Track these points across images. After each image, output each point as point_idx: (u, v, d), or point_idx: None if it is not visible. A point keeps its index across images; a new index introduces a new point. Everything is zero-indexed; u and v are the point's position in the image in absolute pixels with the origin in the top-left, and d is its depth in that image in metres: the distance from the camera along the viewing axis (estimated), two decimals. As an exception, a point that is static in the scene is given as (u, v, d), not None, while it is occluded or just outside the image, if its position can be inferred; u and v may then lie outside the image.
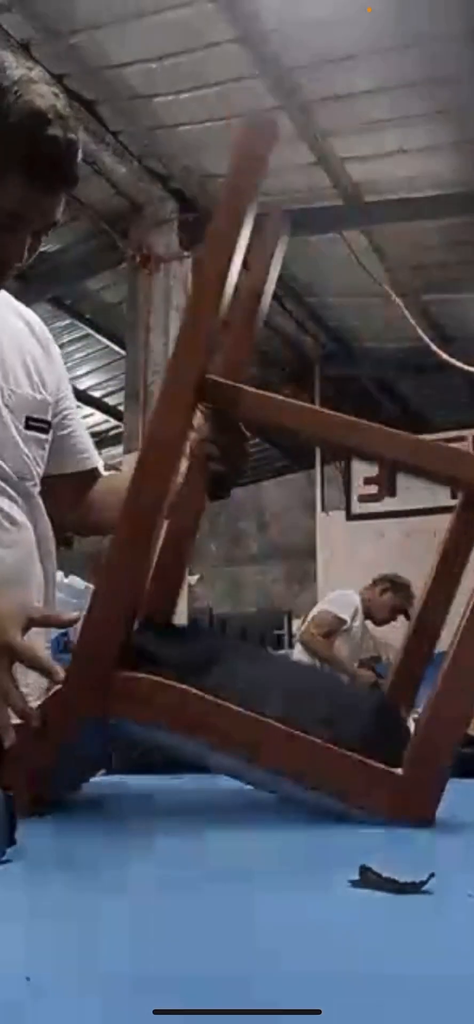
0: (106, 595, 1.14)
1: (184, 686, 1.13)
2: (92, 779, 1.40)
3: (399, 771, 1.10)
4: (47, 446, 1.49)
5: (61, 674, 1.08)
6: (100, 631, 1.12)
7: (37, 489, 1.47)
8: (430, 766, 1.09)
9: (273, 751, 1.11)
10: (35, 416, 1.46)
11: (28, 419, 1.44)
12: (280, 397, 1.24)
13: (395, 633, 8.47)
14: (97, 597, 1.14)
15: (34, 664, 1.11)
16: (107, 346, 8.59)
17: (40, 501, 1.47)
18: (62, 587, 6.09)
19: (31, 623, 1.13)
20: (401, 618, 5.23)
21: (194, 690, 1.13)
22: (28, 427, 1.44)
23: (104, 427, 10.63)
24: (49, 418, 1.49)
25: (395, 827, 1.08)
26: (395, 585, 5.32)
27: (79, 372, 9.24)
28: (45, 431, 1.48)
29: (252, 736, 1.11)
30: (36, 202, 1.23)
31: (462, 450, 1.33)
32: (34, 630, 1.17)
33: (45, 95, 1.19)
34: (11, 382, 1.42)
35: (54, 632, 6.83)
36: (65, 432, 1.55)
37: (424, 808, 1.08)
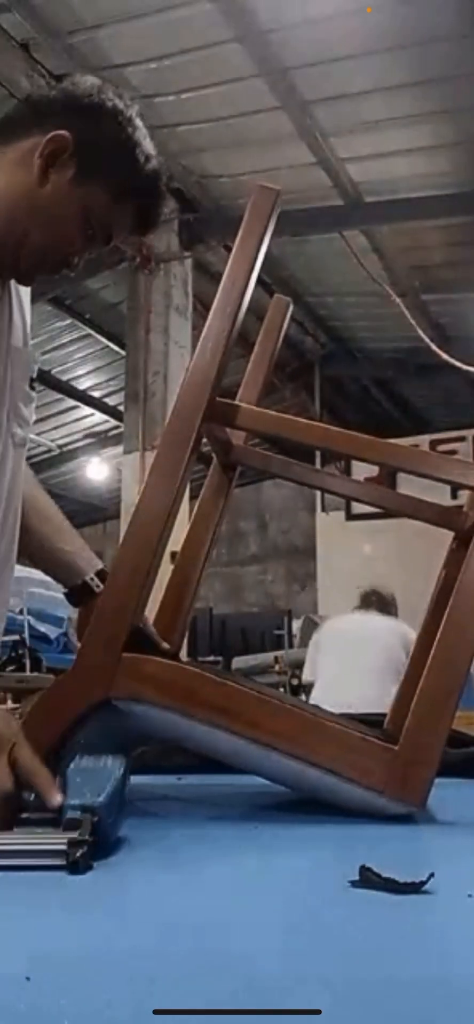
0: (117, 586, 1.21)
1: (188, 666, 1.20)
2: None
3: (395, 747, 1.13)
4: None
5: (58, 800, 0.90)
6: (111, 616, 1.19)
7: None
8: (423, 743, 1.12)
9: (271, 724, 1.14)
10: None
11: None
12: (276, 414, 1.37)
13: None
14: (108, 587, 1.22)
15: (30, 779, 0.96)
16: (107, 346, 8.59)
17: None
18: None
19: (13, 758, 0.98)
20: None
21: (196, 669, 1.20)
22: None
23: (104, 427, 10.65)
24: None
25: (390, 810, 1.09)
26: None
27: (79, 372, 9.24)
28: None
29: (250, 708, 1.15)
30: (126, 230, 1.37)
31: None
32: None
33: (158, 159, 1.36)
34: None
35: (54, 631, 6.70)
36: None
37: (416, 786, 1.10)
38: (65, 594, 1.53)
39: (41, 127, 1.27)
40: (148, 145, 1.34)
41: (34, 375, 1.45)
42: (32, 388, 1.44)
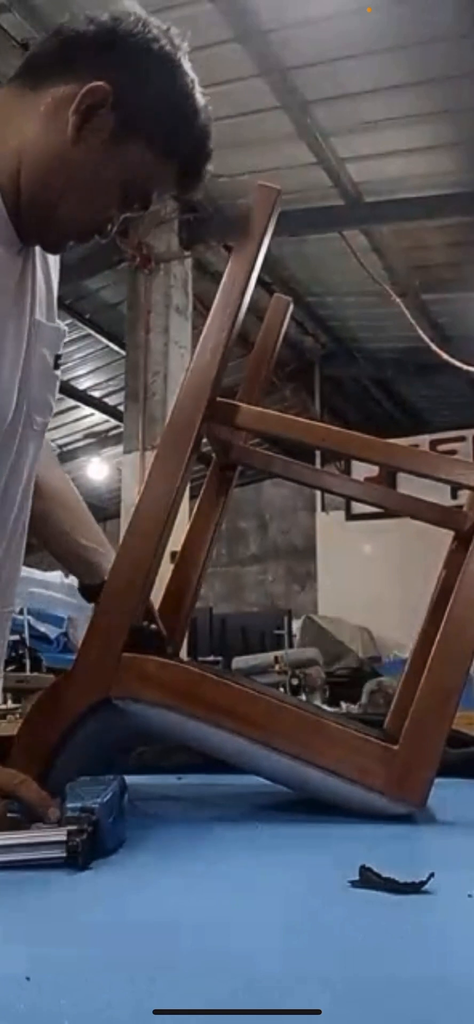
0: (116, 586, 1.21)
1: (189, 666, 1.21)
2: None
3: (395, 747, 1.13)
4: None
5: (55, 815, 0.91)
6: (111, 615, 1.19)
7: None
8: (422, 743, 1.12)
9: (271, 724, 1.14)
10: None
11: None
12: (276, 413, 1.38)
13: (397, 633, 8.45)
14: (108, 587, 1.22)
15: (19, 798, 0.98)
16: (107, 346, 8.59)
17: None
18: (63, 587, 6.07)
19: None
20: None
21: (196, 669, 1.21)
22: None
23: (104, 427, 10.65)
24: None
25: (390, 810, 1.09)
26: None
27: (79, 372, 9.24)
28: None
29: (250, 708, 1.15)
30: (168, 192, 1.22)
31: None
32: None
33: (208, 110, 1.18)
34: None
35: (54, 632, 6.69)
36: None
37: (416, 786, 1.10)
38: (80, 589, 1.45)
39: (75, 72, 1.09)
40: (198, 96, 1.14)
41: (60, 352, 1.30)
42: (56, 368, 1.29)
